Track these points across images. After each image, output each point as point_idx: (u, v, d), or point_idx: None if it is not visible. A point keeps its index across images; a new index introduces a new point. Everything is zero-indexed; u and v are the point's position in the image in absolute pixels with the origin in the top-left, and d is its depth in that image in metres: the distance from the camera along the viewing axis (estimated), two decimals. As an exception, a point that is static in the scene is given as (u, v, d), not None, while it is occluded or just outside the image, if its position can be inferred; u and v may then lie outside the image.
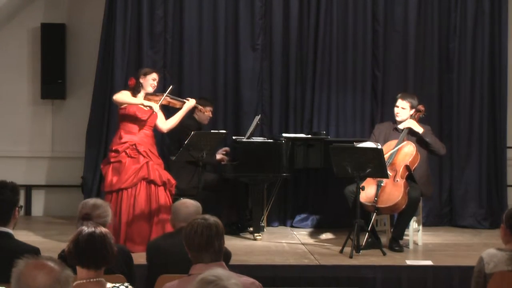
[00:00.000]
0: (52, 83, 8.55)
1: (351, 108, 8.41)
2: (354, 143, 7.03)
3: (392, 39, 8.42)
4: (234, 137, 7.98)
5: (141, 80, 6.93)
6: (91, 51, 8.45)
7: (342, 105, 8.41)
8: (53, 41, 8.52)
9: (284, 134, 7.92)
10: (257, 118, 7.81)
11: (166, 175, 6.84)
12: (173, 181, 6.87)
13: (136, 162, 6.75)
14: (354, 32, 8.39)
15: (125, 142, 6.81)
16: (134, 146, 6.79)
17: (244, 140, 7.56)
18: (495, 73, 8.45)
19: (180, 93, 8.26)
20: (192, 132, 6.87)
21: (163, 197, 6.74)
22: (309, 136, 7.97)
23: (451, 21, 8.46)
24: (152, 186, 6.71)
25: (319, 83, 8.35)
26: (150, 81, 6.93)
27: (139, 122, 6.88)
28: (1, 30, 8.66)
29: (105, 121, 8.20)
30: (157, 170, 6.78)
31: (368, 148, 6.71)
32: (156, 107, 6.86)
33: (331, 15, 8.34)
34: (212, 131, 7.56)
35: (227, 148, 7.86)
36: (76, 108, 8.65)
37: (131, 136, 6.84)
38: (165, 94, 6.95)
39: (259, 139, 7.72)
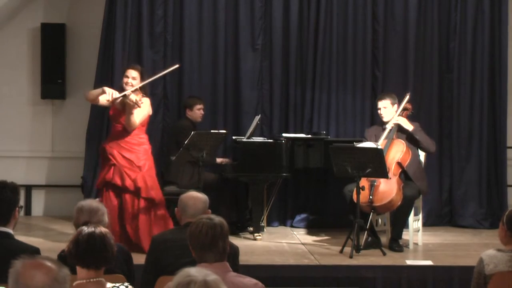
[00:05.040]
0: (52, 83, 8.55)
1: (351, 108, 8.41)
2: (354, 143, 7.04)
3: (392, 39, 8.42)
4: (234, 137, 7.98)
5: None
6: (91, 51, 8.44)
7: (342, 105, 8.41)
8: (53, 41, 8.52)
9: (284, 134, 7.93)
10: (257, 118, 7.81)
11: (134, 181, 6.55)
12: (141, 186, 6.54)
13: (106, 165, 6.69)
14: (354, 32, 8.39)
15: (101, 144, 6.85)
16: (103, 148, 6.74)
17: (244, 140, 7.57)
18: (495, 73, 8.45)
19: (181, 93, 8.28)
20: (193, 132, 6.87)
21: (130, 204, 6.57)
22: (309, 136, 7.98)
23: (451, 21, 8.46)
24: (117, 191, 6.58)
25: (319, 83, 8.35)
26: (124, 79, 6.76)
27: (110, 121, 6.83)
28: (1, 30, 8.66)
29: (105, 121, 8.19)
30: (124, 174, 6.55)
31: (368, 148, 6.72)
32: (114, 94, 6.60)
33: (331, 15, 8.34)
34: (212, 131, 7.57)
35: (228, 160, 7.84)
36: (76, 108, 8.64)
37: (108, 138, 6.85)
38: (126, 92, 6.60)
39: (259, 139, 7.72)
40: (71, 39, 8.67)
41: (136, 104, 6.49)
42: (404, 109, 7.11)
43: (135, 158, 6.64)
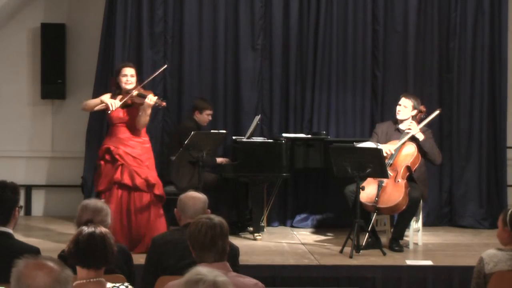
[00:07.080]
0: (52, 83, 8.55)
1: (351, 108, 8.41)
2: (354, 143, 7.04)
3: (392, 39, 8.42)
4: (234, 137, 7.98)
5: (117, 80, 6.81)
6: (91, 51, 8.44)
7: (342, 105, 8.41)
8: (53, 41, 8.52)
9: (284, 134, 7.93)
10: (257, 118, 7.82)
11: (145, 179, 6.61)
12: (154, 183, 6.63)
13: (111, 166, 6.68)
14: (354, 32, 8.39)
15: (103, 146, 6.80)
16: (108, 150, 6.71)
17: (244, 140, 7.57)
18: (495, 73, 8.45)
19: (180, 93, 8.27)
20: (192, 132, 6.87)
21: (139, 201, 6.61)
22: (309, 136, 7.98)
23: (451, 21, 8.46)
24: (127, 190, 6.59)
25: (319, 83, 8.35)
26: (122, 78, 6.76)
27: (112, 123, 6.79)
28: (1, 30, 8.66)
29: (105, 121, 8.17)
30: (134, 173, 6.59)
31: (368, 148, 6.72)
32: (116, 104, 6.60)
33: (331, 15, 8.34)
34: (212, 131, 7.57)
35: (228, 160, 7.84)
36: (76, 108, 8.59)
37: (109, 139, 6.79)
38: (133, 92, 6.68)
39: (259, 139, 7.72)
40: (71, 39, 8.67)
41: (159, 104, 6.62)
42: (419, 111, 7.10)
43: (142, 156, 6.69)
